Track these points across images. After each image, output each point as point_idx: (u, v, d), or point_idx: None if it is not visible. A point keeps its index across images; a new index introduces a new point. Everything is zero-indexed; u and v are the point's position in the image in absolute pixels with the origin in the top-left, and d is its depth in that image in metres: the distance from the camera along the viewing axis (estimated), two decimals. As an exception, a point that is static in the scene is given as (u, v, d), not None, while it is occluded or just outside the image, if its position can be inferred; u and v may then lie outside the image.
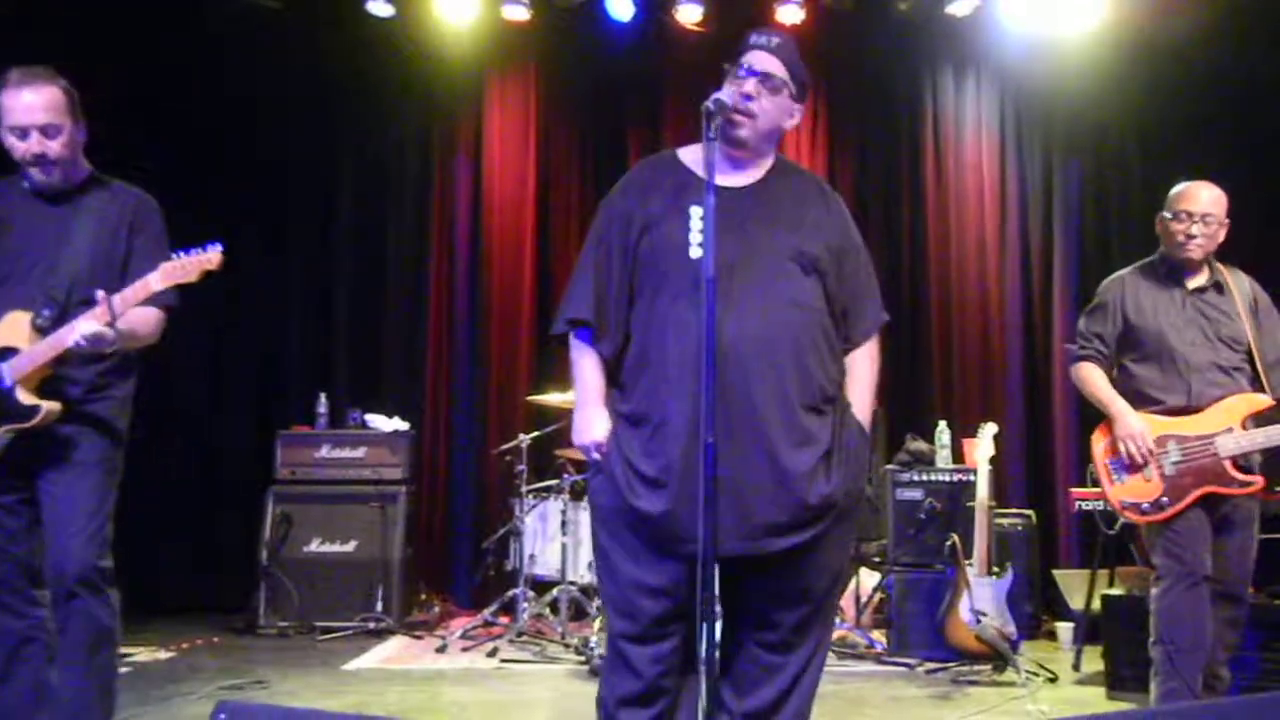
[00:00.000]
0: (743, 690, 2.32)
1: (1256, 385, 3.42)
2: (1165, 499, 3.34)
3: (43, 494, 2.83)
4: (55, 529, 2.80)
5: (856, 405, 2.38)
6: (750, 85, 2.30)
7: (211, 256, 2.70)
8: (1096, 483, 3.56)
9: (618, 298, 2.34)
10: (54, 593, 2.81)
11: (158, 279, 2.70)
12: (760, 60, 2.32)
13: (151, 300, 2.77)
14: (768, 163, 2.42)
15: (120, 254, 2.91)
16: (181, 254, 2.72)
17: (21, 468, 2.81)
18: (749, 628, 2.32)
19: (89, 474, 2.84)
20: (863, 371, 2.41)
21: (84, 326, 2.67)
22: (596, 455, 2.34)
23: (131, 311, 2.75)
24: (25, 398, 2.76)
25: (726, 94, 2.23)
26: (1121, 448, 3.41)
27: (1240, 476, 3.32)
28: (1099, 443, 3.53)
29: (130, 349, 2.87)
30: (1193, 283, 3.50)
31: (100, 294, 2.67)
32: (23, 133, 2.80)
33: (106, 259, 2.89)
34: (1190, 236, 3.44)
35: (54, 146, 2.82)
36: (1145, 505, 3.38)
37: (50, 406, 2.77)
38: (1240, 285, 3.50)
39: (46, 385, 2.80)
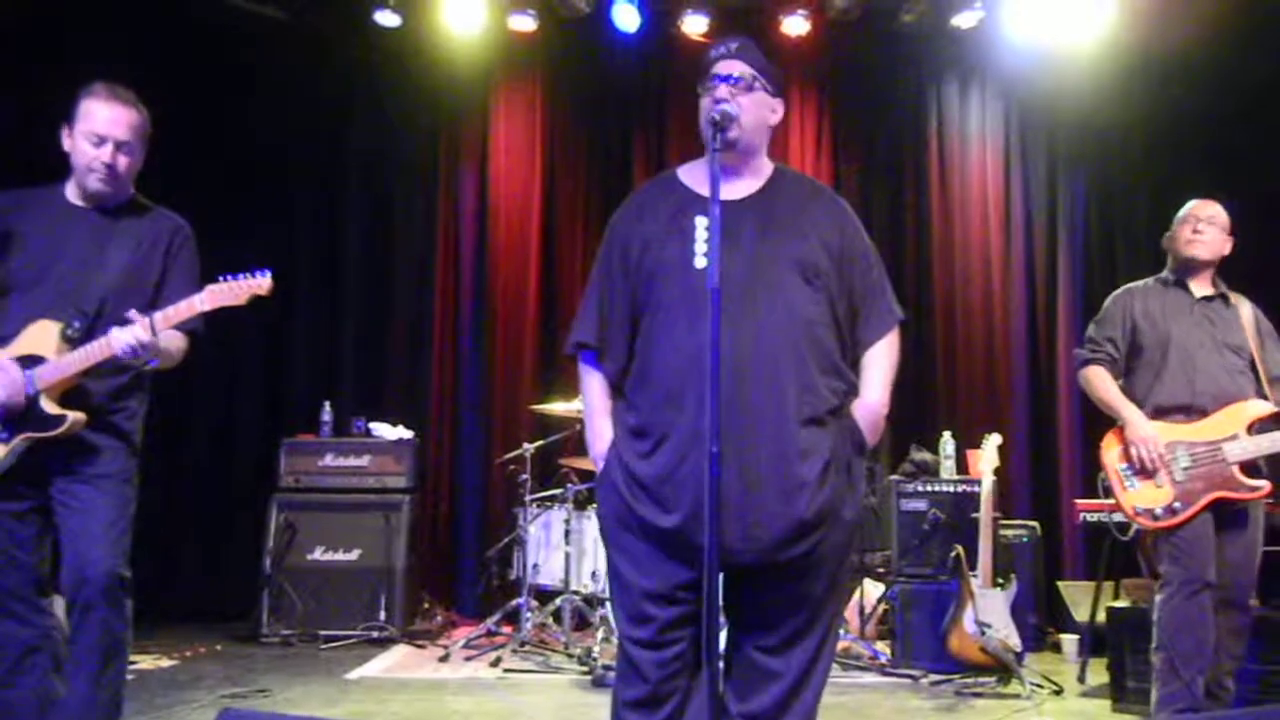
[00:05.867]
0: (743, 694, 2.34)
1: (1259, 391, 3.51)
2: (1178, 504, 3.40)
3: (60, 504, 2.81)
4: (78, 537, 2.78)
5: (871, 389, 2.38)
6: (722, 90, 2.34)
7: (262, 283, 2.70)
8: (1108, 491, 3.59)
9: (620, 319, 2.39)
10: (71, 601, 2.79)
11: (204, 299, 2.70)
12: (724, 67, 2.38)
13: (182, 324, 2.77)
14: (766, 171, 2.44)
15: (153, 276, 2.93)
16: (230, 278, 2.71)
17: (35, 476, 2.81)
18: (748, 632, 2.35)
19: (111, 483, 2.84)
20: (879, 358, 2.41)
21: (125, 335, 2.66)
22: (603, 464, 2.39)
23: (164, 332, 2.76)
24: (50, 407, 2.76)
25: (705, 109, 2.31)
26: (1134, 452, 3.47)
27: (1249, 482, 3.39)
28: (1111, 449, 3.57)
29: (164, 367, 2.87)
30: (1200, 291, 3.61)
31: (135, 314, 2.67)
32: (100, 140, 2.85)
33: (138, 279, 2.90)
34: (1197, 233, 3.58)
35: (123, 162, 2.89)
36: (1159, 511, 3.43)
37: (76, 417, 2.77)
38: (1244, 306, 3.63)
39: (68, 395, 2.81)
